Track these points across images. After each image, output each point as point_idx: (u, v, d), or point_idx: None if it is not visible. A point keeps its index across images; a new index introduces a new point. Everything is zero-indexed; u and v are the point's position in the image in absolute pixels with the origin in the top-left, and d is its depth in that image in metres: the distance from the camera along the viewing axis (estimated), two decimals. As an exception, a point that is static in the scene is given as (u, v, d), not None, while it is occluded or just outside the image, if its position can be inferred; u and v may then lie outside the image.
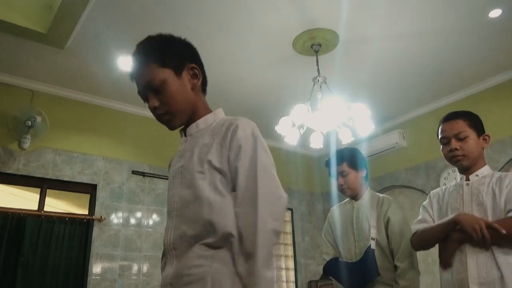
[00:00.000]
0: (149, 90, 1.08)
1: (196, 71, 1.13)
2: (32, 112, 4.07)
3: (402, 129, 5.41)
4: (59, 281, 3.98)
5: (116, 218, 4.48)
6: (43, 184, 4.25)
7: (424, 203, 1.84)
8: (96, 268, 4.21)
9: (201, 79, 1.15)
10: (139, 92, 1.12)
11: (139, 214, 4.62)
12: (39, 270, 3.90)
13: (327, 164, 2.13)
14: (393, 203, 2.03)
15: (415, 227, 1.76)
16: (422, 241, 1.73)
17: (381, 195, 2.10)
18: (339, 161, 2.06)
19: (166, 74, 1.07)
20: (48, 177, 4.23)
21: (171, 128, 1.12)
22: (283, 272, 5.77)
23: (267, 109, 5.02)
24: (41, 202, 4.23)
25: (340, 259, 2.04)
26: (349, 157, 2.06)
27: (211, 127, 1.10)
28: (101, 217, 4.34)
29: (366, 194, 2.08)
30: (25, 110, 4.06)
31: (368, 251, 1.92)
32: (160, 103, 1.07)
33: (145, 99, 1.11)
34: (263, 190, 0.97)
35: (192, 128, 1.13)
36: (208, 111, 1.17)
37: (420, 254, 2.03)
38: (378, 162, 5.37)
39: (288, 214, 6.08)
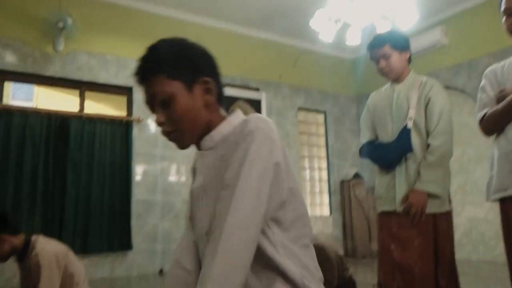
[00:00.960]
0: (155, 103, 0.96)
1: (210, 86, 0.98)
2: (63, 13, 4.02)
3: (444, 26, 5.07)
4: (106, 177, 4.26)
5: (153, 119, 4.61)
6: (81, 87, 4.36)
7: (481, 85, 1.72)
8: (139, 166, 4.46)
9: (215, 94, 0.99)
10: (146, 102, 0.99)
11: (174, 116, 4.73)
12: (86, 167, 4.16)
13: (369, 47, 2.03)
14: (437, 84, 1.95)
15: (480, 113, 1.66)
16: (491, 125, 1.60)
17: (424, 77, 2.01)
18: (381, 43, 1.95)
19: (176, 87, 0.94)
20: (85, 79, 4.32)
21: (180, 147, 1.00)
22: (316, 172, 5.94)
23: (301, 6, 4.76)
24: (82, 104, 4.37)
25: (376, 141, 2.04)
26: (392, 38, 1.95)
27: (228, 138, 0.97)
28: (139, 118, 4.47)
29: (409, 77, 2.00)
30: (56, 11, 4.02)
31: (404, 130, 1.89)
32: (167, 119, 0.96)
33: (153, 110, 0.99)
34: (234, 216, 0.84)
35: (206, 142, 1.00)
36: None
37: (455, 153, 1.99)
38: (417, 62, 5.11)
39: (321, 117, 6.08)
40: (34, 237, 2.11)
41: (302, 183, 5.75)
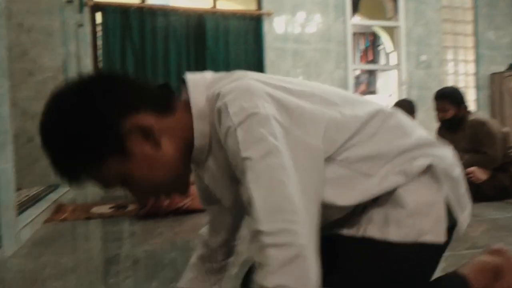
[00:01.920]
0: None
1: (144, 124, 0.69)
2: None
3: None
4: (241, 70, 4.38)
5: (283, 13, 4.50)
6: (212, -19, 4.40)
7: None
8: (271, 59, 4.47)
9: (155, 127, 0.70)
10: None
11: (304, 10, 4.56)
12: (223, 63, 4.32)
13: None
14: None
15: None
16: None
17: None
18: None
19: (112, 169, 0.69)
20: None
21: (182, 193, 0.80)
22: (461, 65, 5.31)
23: None
24: (214, 1, 4.44)
25: None
26: None
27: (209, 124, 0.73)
28: (268, 12, 4.40)
29: None
30: None
31: None
32: (140, 192, 0.75)
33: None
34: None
35: (200, 154, 0.76)
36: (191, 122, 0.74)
37: None
38: None
39: (469, 0, 5.26)
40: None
41: (444, 77, 5.21)
